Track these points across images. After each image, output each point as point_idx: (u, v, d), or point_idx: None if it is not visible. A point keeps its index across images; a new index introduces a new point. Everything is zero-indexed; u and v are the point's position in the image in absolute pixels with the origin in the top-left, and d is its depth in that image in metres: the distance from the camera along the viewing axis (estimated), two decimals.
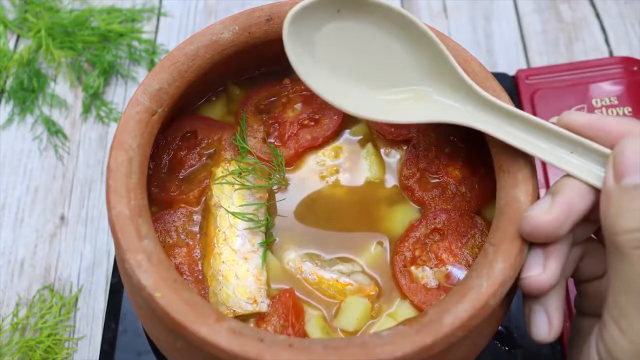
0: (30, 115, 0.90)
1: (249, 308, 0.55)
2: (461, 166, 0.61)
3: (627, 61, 0.87)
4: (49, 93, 0.92)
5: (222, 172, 0.61)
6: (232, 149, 0.63)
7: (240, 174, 0.60)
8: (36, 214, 0.84)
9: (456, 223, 0.58)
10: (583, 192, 0.48)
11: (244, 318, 0.55)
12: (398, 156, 0.64)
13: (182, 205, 0.60)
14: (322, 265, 0.58)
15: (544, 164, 0.80)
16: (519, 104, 0.85)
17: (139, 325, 0.68)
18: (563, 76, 0.86)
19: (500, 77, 0.87)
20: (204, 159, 0.63)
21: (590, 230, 0.52)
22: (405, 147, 0.63)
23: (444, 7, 1.02)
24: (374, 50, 0.54)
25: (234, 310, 0.55)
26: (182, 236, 0.59)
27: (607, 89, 0.85)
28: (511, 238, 0.50)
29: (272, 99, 0.66)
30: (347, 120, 0.65)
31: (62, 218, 0.83)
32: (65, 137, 0.89)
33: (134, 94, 0.56)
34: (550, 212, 0.48)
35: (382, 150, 0.64)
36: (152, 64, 0.95)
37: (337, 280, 0.57)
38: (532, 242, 0.50)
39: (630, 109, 0.83)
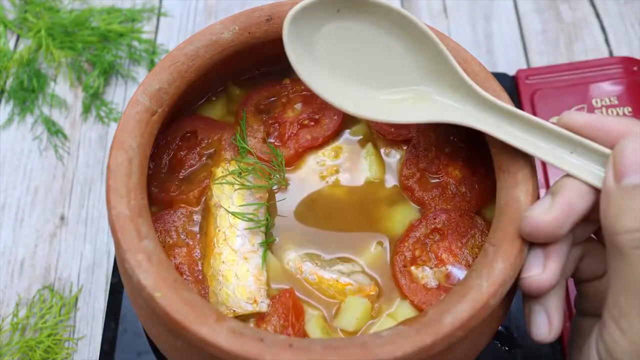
0: (30, 115, 0.91)
1: (249, 308, 0.55)
2: (461, 166, 0.61)
3: (627, 61, 0.87)
4: (49, 93, 0.92)
5: (222, 172, 0.61)
6: (232, 149, 0.63)
7: (240, 174, 0.60)
8: (36, 214, 0.84)
9: (456, 223, 0.58)
10: (583, 192, 0.48)
11: (244, 318, 0.55)
12: (398, 156, 0.64)
13: (182, 205, 0.60)
14: (322, 265, 0.58)
15: (544, 164, 0.80)
16: (519, 104, 0.85)
17: (139, 325, 0.68)
18: (563, 76, 0.86)
19: (500, 77, 0.87)
20: (204, 159, 0.63)
21: (590, 230, 0.52)
22: (405, 147, 0.63)
23: (444, 7, 1.02)
24: (374, 50, 0.54)
25: (234, 310, 0.55)
26: (182, 236, 0.59)
27: (607, 89, 0.85)
28: (511, 238, 0.50)
29: (272, 99, 0.66)
30: (347, 120, 0.65)
31: (62, 218, 0.83)
32: (65, 137, 0.89)
33: (134, 94, 0.56)
34: (550, 212, 0.48)
35: (382, 150, 0.64)
36: (152, 64, 0.95)
37: (337, 280, 0.57)
38: (532, 242, 0.50)
39: (630, 109, 0.83)
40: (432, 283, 0.57)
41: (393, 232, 0.60)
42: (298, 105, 0.65)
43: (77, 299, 0.78)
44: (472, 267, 0.50)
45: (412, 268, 0.57)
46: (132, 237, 0.49)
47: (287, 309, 0.55)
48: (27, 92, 0.91)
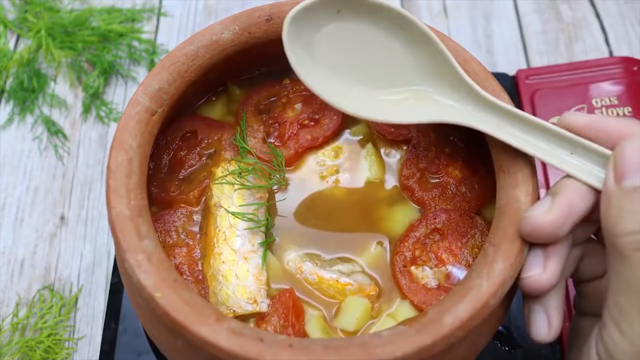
0: (30, 115, 0.90)
1: (249, 308, 0.55)
2: (461, 166, 0.61)
3: (627, 61, 0.87)
4: (49, 93, 0.92)
5: (222, 172, 0.61)
6: (232, 149, 0.63)
7: (240, 174, 0.60)
8: (36, 214, 0.84)
9: (456, 223, 0.58)
10: (583, 193, 0.48)
11: (244, 318, 0.55)
12: (398, 156, 0.64)
13: (182, 205, 0.60)
14: (322, 265, 0.58)
15: (544, 164, 0.80)
16: (519, 104, 0.85)
17: (139, 325, 0.68)
18: (563, 76, 0.86)
19: (500, 77, 0.86)
20: (204, 159, 0.63)
21: (590, 230, 0.52)
22: (405, 147, 0.63)
23: (444, 7, 1.02)
24: (374, 51, 0.54)
25: (234, 310, 0.55)
26: (182, 236, 0.59)
27: (607, 89, 0.85)
28: (511, 238, 0.50)
29: (272, 99, 0.66)
30: (347, 120, 0.65)
31: (62, 218, 0.83)
32: (65, 137, 0.89)
33: (134, 94, 0.56)
34: (551, 213, 0.48)
35: (382, 150, 0.64)
36: (152, 64, 0.95)
37: (337, 280, 0.57)
38: (532, 242, 0.50)
39: (630, 109, 0.83)
40: (432, 283, 0.57)
41: (393, 232, 0.60)
42: (298, 105, 0.65)
43: (77, 299, 0.78)
44: (472, 267, 0.50)
45: (412, 268, 0.57)
46: (132, 237, 0.49)
47: (287, 309, 0.55)
48: (27, 92, 0.91)
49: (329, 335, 0.55)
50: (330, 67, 0.54)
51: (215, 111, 0.66)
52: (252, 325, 0.55)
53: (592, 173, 0.49)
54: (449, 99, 0.54)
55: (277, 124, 0.64)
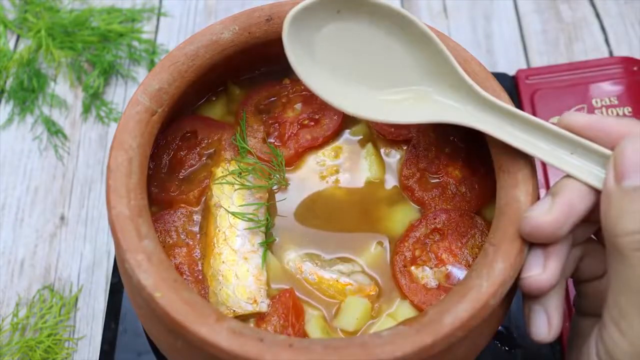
0: (30, 115, 0.91)
1: (249, 308, 0.55)
2: (461, 166, 0.61)
3: (627, 61, 0.87)
4: (49, 93, 0.92)
5: (222, 172, 0.61)
6: (232, 149, 0.63)
7: (240, 174, 0.60)
8: (36, 214, 0.84)
9: (456, 223, 0.58)
10: (583, 193, 0.48)
11: (244, 318, 0.55)
12: (398, 156, 0.64)
13: (182, 205, 0.60)
14: (322, 265, 0.58)
15: (544, 164, 0.80)
16: (519, 104, 0.85)
17: (139, 325, 0.68)
18: (563, 76, 0.86)
19: (500, 77, 0.86)
20: (204, 159, 0.63)
21: (591, 230, 0.52)
22: (405, 147, 0.63)
23: (444, 7, 1.02)
24: (374, 51, 0.54)
25: (234, 310, 0.55)
26: (182, 236, 0.59)
27: (607, 89, 0.85)
28: (511, 238, 0.50)
29: (272, 99, 0.66)
30: (347, 120, 0.65)
31: (62, 218, 0.83)
32: (65, 137, 0.89)
33: (134, 94, 0.56)
34: (551, 213, 0.48)
35: (382, 150, 0.64)
36: (152, 64, 0.95)
37: (337, 280, 0.57)
38: (532, 242, 0.50)
39: (630, 109, 0.83)
40: (432, 283, 0.57)
41: (393, 232, 0.60)
42: (298, 105, 0.65)
43: (77, 299, 0.78)
44: (472, 267, 0.50)
45: (412, 268, 0.57)
46: (132, 237, 0.49)
47: (287, 309, 0.55)
48: (27, 92, 0.91)
49: (329, 335, 0.55)
50: (331, 67, 0.54)
51: (215, 111, 0.66)
52: (252, 325, 0.55)
53: (592, 173, 0.49)
54: (449, 99, 0.54)
55: (277, 124, 0.64)
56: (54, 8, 0.98)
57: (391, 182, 0.62)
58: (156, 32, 0.99)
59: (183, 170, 0.62)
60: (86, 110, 0.91)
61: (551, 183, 0.78)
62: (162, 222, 0.59)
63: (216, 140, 0.63)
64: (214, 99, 0.66)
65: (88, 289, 0.79)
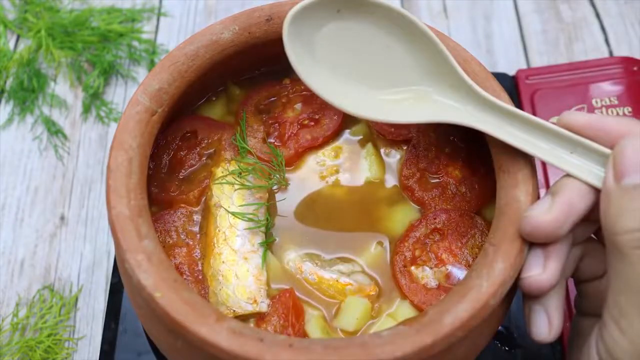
0: (30, 115, 0.91)
1: (249, 308, 0.55)
2: (461, 166, 0.61)
3: (627, 61, 0.87)
4: (49, 93, 0.92)
5: (222, 172, 0.61)
6: (232, 149, 0.63)
7: (240, 174, 0.60)
8: (36, 214, 0.84)
9: (456, 223, 0.58)
10: (583, 192, 0.48)
11: (244, 318, 0.55)
12: (398, 156, 0.64)
13: (182, 205, 0.60)
14: (322, 265, 0.58)
15: (544, 164, 0.80)
16: (519, 104, 0.85)
17: (139, 325, 0.68)
18: (563, 76, 0.86)
19: (500, 77, 0.86)
20: (204, 159, 0.63)
21: (590, 230, 0.52)
22: (405, 147, 0.63)
23: (444, 7, 1.02)
24: (374, 50, 0.54)
25: (234, 310, 0.55)
26: (182, 236, 0.59)
27: (607, 89, 0.85)
28: (511, 238, 0.50)
29: (272, 99, 0.66)
30: (347, 120, 0.65)
31: (62, 218, 0.83)
32: (65, 137, 0.89)
33: (134, 94, 0.56)
34: (550, 212, 0.48)
35: (382, 150, 0.64)
36: (152, 64, 0.95)
37: (337, 280, 0.57)
38: (532, 242, 0.50)
39: (630, 109, 0.83)
40: (432, 283, 0.57)
41: (393, 232, 0.60)
42: (298, 105, 0.65)
43: (77, 299, 0.78)
44: (472, 267, 0.50)
45: (412, 268, 0.57)
46: (132, 237, 0.49)
47: (287, 309, 0.55)
48: (27, 92, 0.91)
49: (329, 335, 0.55)
50: (331, 66, 0.54)
51: (215, 111, 0.66)
52: (252, 325, 0.55)
53: (592, 172, 0.49)
54: (449, 99, 0.54)
55: (277, 124, 0.64)
56: (54, 8, 0.98)
57: (391, 182, 0.62)
58: (156, 32, 0.99)
59: (183, 170, 0.62)
60: (86, 110, 0.91)
61: (551, 183, 0.78)
62: (162, 222, 0.59)
63: (216, 140, 0.63)
64: (214, 99, 0.66)
65: (88, 289, 0.79)
